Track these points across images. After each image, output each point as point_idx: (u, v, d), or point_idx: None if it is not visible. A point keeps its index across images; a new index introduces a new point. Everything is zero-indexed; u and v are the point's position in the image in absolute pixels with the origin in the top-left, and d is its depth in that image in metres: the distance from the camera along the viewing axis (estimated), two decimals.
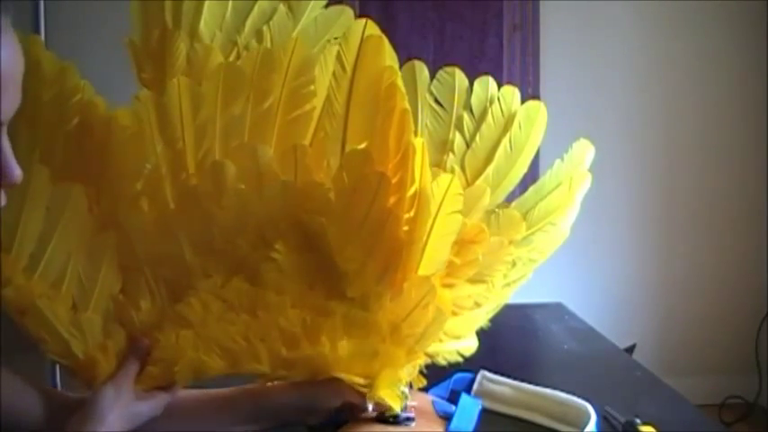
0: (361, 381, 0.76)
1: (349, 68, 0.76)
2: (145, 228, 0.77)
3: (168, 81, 0.81)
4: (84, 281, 0.77)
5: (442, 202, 0.77)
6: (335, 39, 0.81)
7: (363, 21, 0.76)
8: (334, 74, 0.77)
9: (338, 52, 0.76)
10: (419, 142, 0.75)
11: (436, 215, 0.77)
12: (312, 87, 0.77)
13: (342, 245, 0.76)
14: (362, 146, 0.76)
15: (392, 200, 0.74)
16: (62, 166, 0.76)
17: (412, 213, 0.75)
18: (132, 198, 0.77)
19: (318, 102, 0.78)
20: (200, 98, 0.76)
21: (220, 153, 0.76)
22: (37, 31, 1.72)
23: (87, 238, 0.77)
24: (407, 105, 0.75)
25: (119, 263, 0.78)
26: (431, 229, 0.77)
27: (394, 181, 0.74)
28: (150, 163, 0.76)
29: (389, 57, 0.76)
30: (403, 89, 0.76)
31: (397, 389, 0.77)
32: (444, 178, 0.77)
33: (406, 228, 0.75)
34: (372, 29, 0.76)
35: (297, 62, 0.77)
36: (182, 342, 0.75)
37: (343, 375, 0.77)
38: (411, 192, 0.75)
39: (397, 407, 0.76)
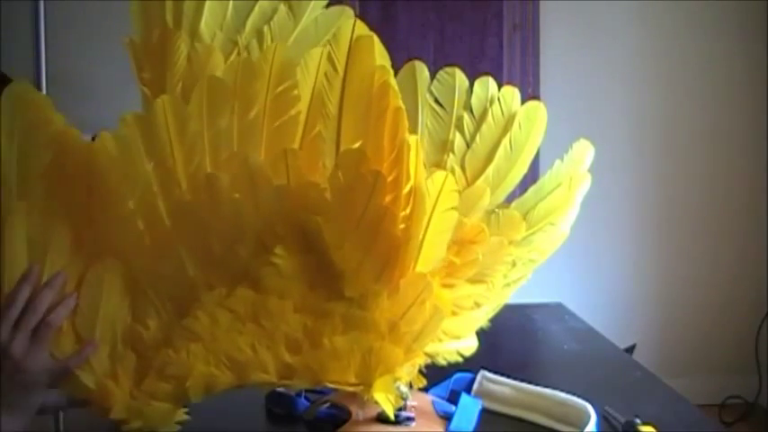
0: (353, 381, 0.76)
1: (340, 69, 0.76)
2: (143, 247, 0.77)
3: (168, 81, 0.81)
4: (86, 312, 0.77)
5: (437, 199, 0.77)
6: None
7: (352, 21, 0.76)
8: (326, 75, 0.77)
9: (329, 53, 0.76)
10: (413, 140, 0.75)
11: (432, 212, 0.77)
12: (296, 92, 0.77)
13: (339, 244, 0.76)
14: (357, 145, 0.76)
15: (388, 198, 0.74)
16: (45, 199, 0.76)
17: (408, 211, 0.75)
18: (126, 219, 0.77)
19: (303, 105, 0.78)
20: (185, 114, 0.76)
21: (211, 166, 0.77)
22: (37, 31, 1.72)
23: (79, 271, 0.77)
24: (401, 103, 0.75)
25: (122, 285, 0.78)
26: (427, 226, 0.77)
27: (389, 179, 0.74)
28: (141, 183, 0.76)
29: (381, 56, 0.76)
30: (396, 88, 0.76)
31: (392, 393, 0.77)
32: (439, 175, 0.77)
33: (402, 225, 0.75)
34: (362, 29, 0.76)
35: (278, 68, 0.77)
36: (192, 357, 0.75)
37: (336, 381, 0.76)
38: (407, 189, 0.75)
39: (390, 411, 0.76)
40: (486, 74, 0.94)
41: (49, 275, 0.75)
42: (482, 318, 0.92)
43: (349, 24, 0.76)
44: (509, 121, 0.92)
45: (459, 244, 0.86)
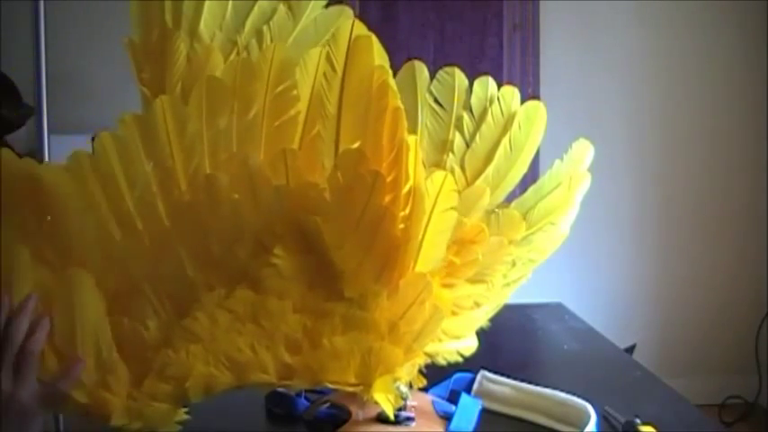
0: (353, 381, 0.76)
1: (339, 69, 0.76)
2: (141, 248, 0.76)
3: (167, 81, 0.81)
4: (62, 327, 0.75)
5: (436, 199, 0.77)
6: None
7: (351, 21, 0.76)
8: (324, 75, 0.77)
9: (328, 53, 0.76)
10: (413, 140, 0.75)
11: (431, 212, 0.77)
12: (295, 92, 0.77)
13: (339, 244, 0.76)
14: (356, 145, 0.76)
15: (387, 198, 0.74)
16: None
17: (407, 211, 0.75)
18: (123, 221, 0.76)
19: (303, 105, 0.78)
20: (185, 115, 0.75)
21: (211, 166, 0.76)
22: (37, 31, 1.72)
23: (47, 287, 0.75)
24: (400, 103, 0.75)
25: (115, 289, 0.77)
26: (426, 226, 0.77)
27: (389, 179, 0.74)
28: (139, 183, 0.75)
29: (379, 56, 0.76)
30: (395, 87, 0.76)
31: (392, 393, 0.77)
32: (438, 175, 0.77)
33: (401, 226, 0.75)
34: (361, 29, 0.76)
35: (277, 68, 0.77)
36: (192, 357, 0.75)
37: (336, 381, 0.76)
38: (406, 189, 0.75)
39: (390, 411, 0.76)
40: (486, 74, 0.94)
41: (18, 299, 0.73)
42: (482, 318, 0.91)
43: (348, 24, 0.76)
44: (509, 121, 0.92)
45: (459, 244, 0.86)
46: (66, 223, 0.75)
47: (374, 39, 0.75)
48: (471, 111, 0.93)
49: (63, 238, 0.76)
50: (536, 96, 2.51)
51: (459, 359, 0.88)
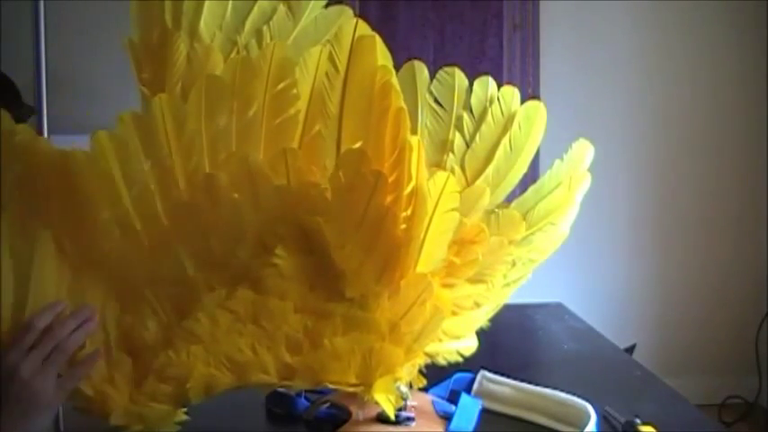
0: (353, 381, 0.76)
1: (342, 69, 0.76)
2: (141, 249, 0.76)
3: (167, 81, 0.81)
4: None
5: (438, 199, 0.77)
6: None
7: (354, 21, 0.76)
8: (327, 75, 0.76)
9: (330, 53, 0.76)
10: (415, 140, 0.75)
11: (433, 213, 0.77)
12: (295, 90, 0.77)
13: (340, 244, 0.76)
14: (358, 145, 0.76)
15: (389, 198, 0.74)
16: (20, 212, 0.74)
17: (409, 212, 0.75)
18: (109, 223, 0.76)
19: (302, 104, 0.78)
20: (183, 113, 0.75)
21: (210, 165, 0.76)
22: (37, 31, 1.72)
23: (66, 279, 0.76)
24: (403, 104, 0.75)
25: (116, 290, 0.77)
26: (428, 226, 0.77)
27: (390, 179, 0.74)
28: (138, 183, 0.75)
29: (383, 56, 0.76)
30: (398, 87, 0.76)
31: (392, 394, 0.77)
32: (440, 176, 0.77)
33: (403, 226, 0.75)
34: (364, 29, 0.76)
35: (277, 67, 0.76)
36: (192, 358, 0.75)
37: (337, 382, 0.76)
38: (408, 190, 0.74)
39: (390, 411, 0.76)
40: (486, 74, 0.94)
41: (36, 282, 0.74)
42: (482, 318, 0.91)
43: (351, 24, 0.76)
44: (509, 121, 0.92)
45: (459, 244, 0.86)
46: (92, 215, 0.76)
47: (377, 39, 0.75)
48: (471, 111, 0.93)
49: (83, 230, 0.76)
50: (536, 96, 2.51)
51: (459, 359, 0.88)
